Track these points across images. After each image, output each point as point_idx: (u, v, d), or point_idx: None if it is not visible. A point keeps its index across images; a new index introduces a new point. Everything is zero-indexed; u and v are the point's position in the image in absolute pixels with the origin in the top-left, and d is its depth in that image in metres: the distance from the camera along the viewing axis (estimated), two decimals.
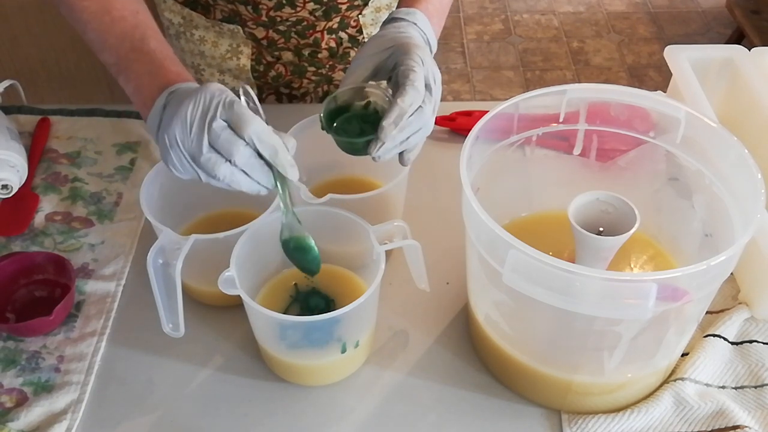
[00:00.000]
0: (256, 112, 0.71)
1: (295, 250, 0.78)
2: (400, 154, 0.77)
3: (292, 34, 1.08)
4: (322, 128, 0.77)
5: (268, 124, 0.71)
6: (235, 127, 0.69)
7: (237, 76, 1.14)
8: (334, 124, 0.78)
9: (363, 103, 0.79)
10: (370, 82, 0.80)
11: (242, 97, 0.72)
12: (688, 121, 0.78)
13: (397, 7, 0.87)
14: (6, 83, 1.12)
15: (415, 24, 0.83)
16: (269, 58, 1.11)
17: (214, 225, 0.82)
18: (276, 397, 0.80)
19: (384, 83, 0.80)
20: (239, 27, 1.07)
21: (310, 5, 1.03)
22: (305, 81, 1.15)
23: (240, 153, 0.69)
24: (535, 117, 0.82)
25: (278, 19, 1.05)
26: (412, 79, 0.73)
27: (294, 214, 0.76)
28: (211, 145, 0.69)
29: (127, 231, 0.96)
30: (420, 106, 0.74)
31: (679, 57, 1.02)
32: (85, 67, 1.84)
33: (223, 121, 0.69)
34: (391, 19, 0.84)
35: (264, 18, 1.05)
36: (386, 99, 0.77)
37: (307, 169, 0.91)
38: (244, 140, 0.69)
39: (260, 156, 0.70)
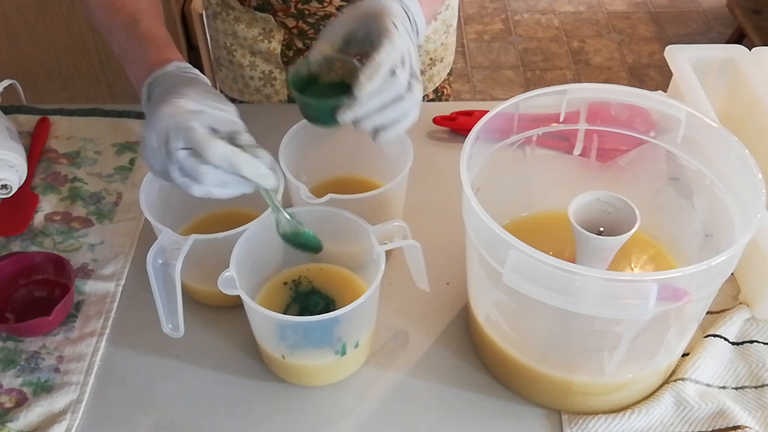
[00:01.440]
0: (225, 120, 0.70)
1: (294, 239, 0.78)
2: (375, 132, 0.72)
3: (321, 27, 1.09)
4: (289, 91, 0.74)
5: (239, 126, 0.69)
6: (197, 152, 0.67)
7: (267, 59, 1.15)
8: (303, 92, 0.75)
9: (335, 75, 0.75)
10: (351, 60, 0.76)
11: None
12: (689, 121, 0.78)
13: None
14: (5, 83, 1.11)
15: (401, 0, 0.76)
16: (300, 45, 1.12)
17: (214, 225, 0.82)
18: (276, 398, 0.80)
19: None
20: (270, 16, 1.09)
21: (337, 1, 1.04)
22: None
23: (207, 178, 0.68)
24: (536, 117, 0.82)
25: (306, 12, 1.06)
26: (389, 35, 0.69)
27: (284, 212, 0.76)
28: (182, 172, 0.68)
29: (127, 231, 0.96)
30: (394, 71, 0.69)
31: (680, 57, 1.02)
32: (85, 67, 1.84)
33: (184, 148, 0.67)
34: None
35: (293, 10, 1.06)
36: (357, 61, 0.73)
37: (307, 169, 0.91)
38: (215, 163, 0.67)
39: None
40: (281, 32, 1.12)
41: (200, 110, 0.69)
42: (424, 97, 1.23)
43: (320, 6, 1.05)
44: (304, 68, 0.75)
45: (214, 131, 0.68)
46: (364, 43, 0.73)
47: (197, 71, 0.76)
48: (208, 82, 0.75)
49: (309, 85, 0.75)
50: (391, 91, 0.70)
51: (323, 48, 0.75)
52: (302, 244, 0.78)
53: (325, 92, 0.74)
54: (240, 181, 0.69)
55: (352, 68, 0.74)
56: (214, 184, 0.69)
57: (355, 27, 0.74)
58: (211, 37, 1.21)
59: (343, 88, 0.72)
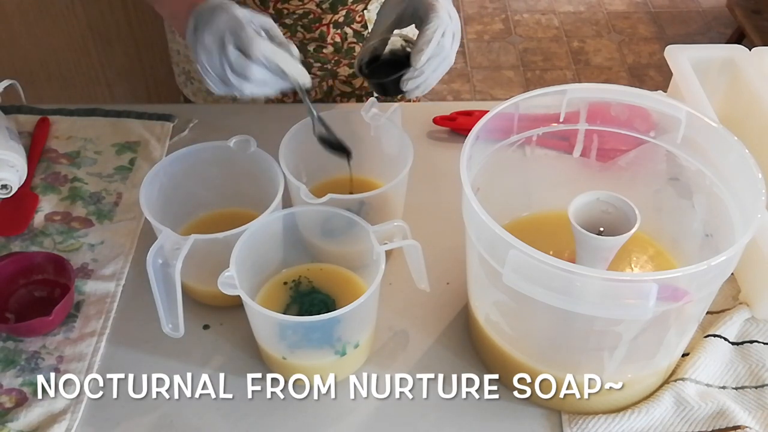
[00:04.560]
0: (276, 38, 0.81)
1: (328, 141, 0.87)
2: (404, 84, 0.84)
3: (298, 28, 1.08)
4: (359, 74, 0.88)
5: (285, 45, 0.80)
6: (244, 51, 0.77)
7: None
8: (369, 71, 0.88)
9: (387, 51, 0.88)
10: (395, 32, 0.88)
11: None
12: (689, 121, 0.78)
13: None
14: (5, 83, 1.11)
15: None
16: None
17: (214, 225, 0.82)
18: (276, 397, 0.80)
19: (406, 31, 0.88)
20: None
21: None
22: (310, 76, 1.14)
23: (253, 74, 0.78)
24: (536, 117, 0.82)
25: (285, 11, 1.05)
26: (434, 9, 0.82)
27: (314, 112, 0.86)
28: (232, 70, 0.78)
29: (127, 231, 0.96)
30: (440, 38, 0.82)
31: (680, 57, 1.02)
32: (85, 67, 1.83)
33: (235, 48, 0.77)
34: None
35: (271, 11, 1.05)
36: (404, 44, 0.87)
37: (306, 169, 0.91)
38: (258, 61, 0.77)
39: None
40: None
41: (248, 17, 0.79)
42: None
43: (300, 3, 1.04)
44: (367, 54, 0.88)
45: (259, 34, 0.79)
46: (413, 18, 0.86)
47: (235, 3, 0.84)
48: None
49: (372, 63, 0.89)
50: (441, 55, 0.84)
51: (376, 33, 0.88)
52: (335, 145, 0.87)
53: (386, 67, 0.87)
54: (279, 80, 0.80)
55: (400, 39, 0.89)
56: (261, 83, 0.79)
57: (402, 8, 0.87)
58: (178, 52, 1.20)
59: (398, 59, 0.87)
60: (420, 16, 0.84)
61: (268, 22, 0.81)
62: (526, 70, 2.93)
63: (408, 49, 0.86)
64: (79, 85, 1.87)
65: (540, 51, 3.03)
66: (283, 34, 1.08)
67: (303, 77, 0.80)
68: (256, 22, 0.80)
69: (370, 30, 1.12)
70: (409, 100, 1.26)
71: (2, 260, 0.88)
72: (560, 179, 0.88)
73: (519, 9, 3.27)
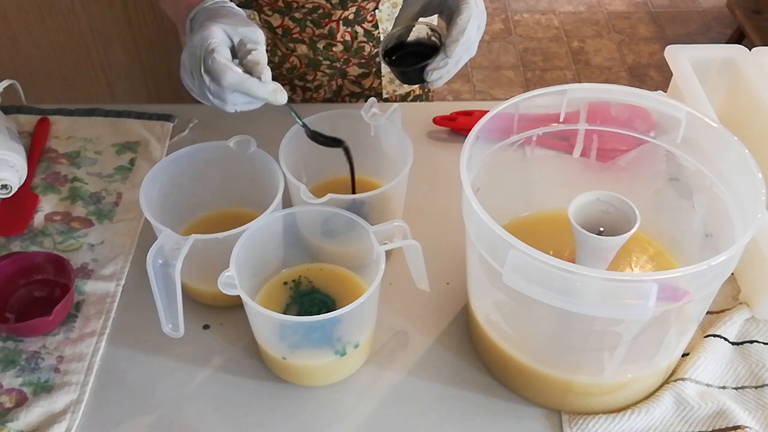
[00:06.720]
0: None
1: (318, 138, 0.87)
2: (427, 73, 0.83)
3: (308, 23, 1.08)
4: (383, 61, 0.87)
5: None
6: (215, 79, 0.75)
7: None
8: (393, 59, 0.87)
9: (412, 39, 0.87)
10: (420, 20, 0.87)
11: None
12: (689, 121, 0.78)
13: None
14: (5, 83, 1.11)
15: None
16: (284, 50, 1.12)
17: (214, 225, 0.82)
18: (276, 398, 0.80)
19: (434, 19, 0.88)
20: (255, 13, 1.08)
21: None
22: (319, 74, 1.15)
23: (227, 98, 0.76)
24: (536, 117, 0.82)
25: (294, 5, 1.05)
26: (466, 1, 0.82)
27: (297, 119, 0.85)
28: (209, 92, 0.77)
29: (127, 231, 0.96)
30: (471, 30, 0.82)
31: (680, 57, 1.02)
32: (85, 67, 1.83)
33: (207, 74, 0.76)
34: None
35: (280, 3, 1.05)
36: (430, 32, 0.86)
37: (306, 169, 0.91)
38: (229, 88, 0.76)
39: None
40: (264, 37, 1.11)
41: (222, 36, 0.77)
42: (410, 93, 1.23)
43: None
44: (392, 40, 0.87)
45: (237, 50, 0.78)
46: (440, 6, 0.86)
47: (233, 4, 0.84)
48: (243, 13, 0.83)
49: (396, 51, 0.88)
50: (465, 45, 0.82)
51: (402, 19, 0.87)
52: (330, 140, 0.87)
53: (410, 56, 0.86)
54: (256, 101, 0.78)
55: (425, 27, 0.87)
56: (241, 103, 0.78)
57: None
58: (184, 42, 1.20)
59: (422, 47, 0.86)
60: (449, 5, 0.84)
61: (251, 34, 0.79)
62: (526, 70, 2.93)
63: (434, 38, 0.86)
64: (79, 85, 1.87)
65: (540, 51, 3.03)
66: (292, 31, 1.09)
67: (275, 97, 0.77)
68: (236, 37, 0.78)
69: (380, 30, 1.12)
70: (429, 91, 1.27)
71: (2, 260, 0.88)
72: (560, 179, 0.88)
73: (519, 9, 3.27)
